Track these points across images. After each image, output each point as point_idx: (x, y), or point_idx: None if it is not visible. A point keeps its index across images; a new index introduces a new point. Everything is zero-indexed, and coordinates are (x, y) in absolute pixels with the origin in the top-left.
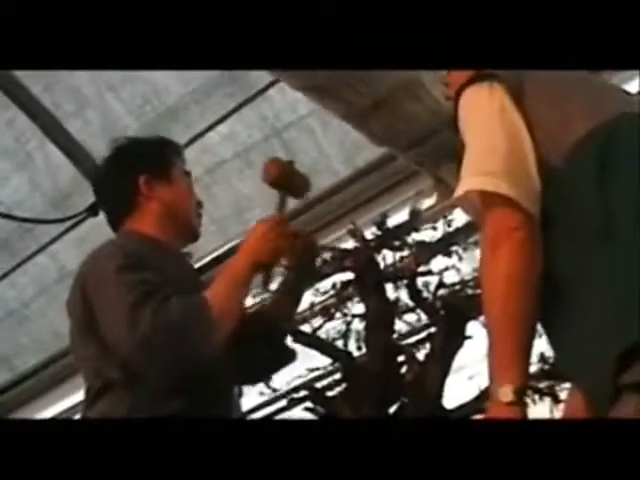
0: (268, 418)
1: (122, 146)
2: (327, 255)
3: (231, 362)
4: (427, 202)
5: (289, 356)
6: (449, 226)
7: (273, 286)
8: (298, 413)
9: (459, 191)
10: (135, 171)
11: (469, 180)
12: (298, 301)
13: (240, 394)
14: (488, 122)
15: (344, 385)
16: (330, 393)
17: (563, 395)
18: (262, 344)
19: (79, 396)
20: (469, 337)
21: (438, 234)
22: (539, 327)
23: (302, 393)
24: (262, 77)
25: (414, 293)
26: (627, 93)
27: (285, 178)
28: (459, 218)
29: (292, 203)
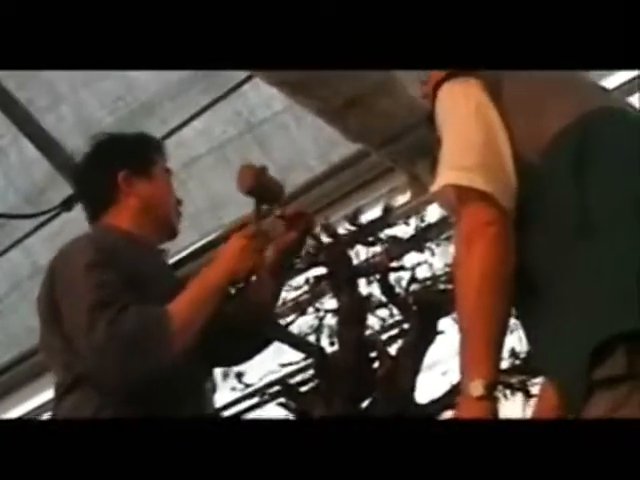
0: (242, 416)
1: (103, 141)
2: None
3: (205, 355)
4: (401, 199)
5: (276, 330)
6: (422, 222)
7: None
8: (271, 409)
9: (435, 186)
10: (115, 166)
11: (445, 174)
12: (282, 282)
13: (213, 389)
14: (464, 117)
15: (317, 380)
16: (303, 389)
17: (535, 390)
18: (245, 325)
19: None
20: (441, 332)
21: (411, 230)
22: (511, 322)
23: (275, 389)
24: (236, 73)
25: (386, 288)
26: (604, 89)
27: (260, 186)
28: (432, 214)
29: None
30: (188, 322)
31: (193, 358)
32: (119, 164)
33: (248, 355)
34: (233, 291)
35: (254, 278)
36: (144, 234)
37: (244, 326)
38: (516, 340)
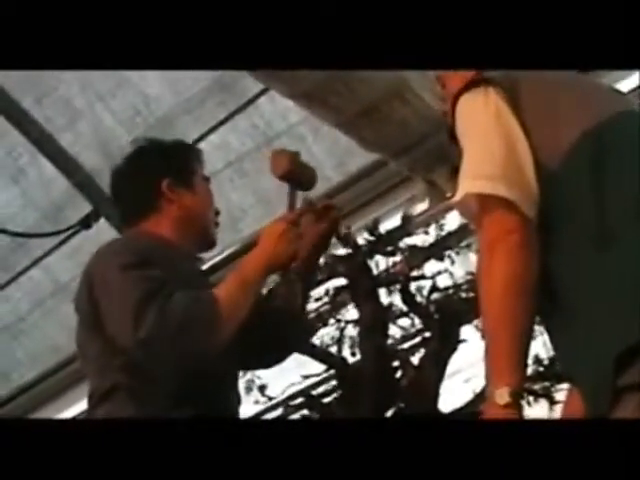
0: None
1: (146, 147)
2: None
3: (236, 362)
4: (420, 207)
5: (307, 332)
6: (441, 230)
7: None
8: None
9: (457, 195)
10: (159, 173)
11: (467, 184)
12: (312, 281)
13: (239, 401)
14: (484, 127)
15: (339, 391)
16: (326, 400)
17: (559, 397)
18: (278, 324)
19: (76, 409)
20: (463, 340)
21: (431, 238)
22: (535, 328)
23: (298, 401)
24: (252, 86)
25: (407, 297)
26: (620, 92)
27: (295, 171)
28: (451, 222)
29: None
30: (234, 306)
31: (222, 361)
32: (163, 172)
33: (276, 359)
34: (263, 292)
35: (284, 277)
36: (183, 244)
37: (273, 328)
38: (539, 347)
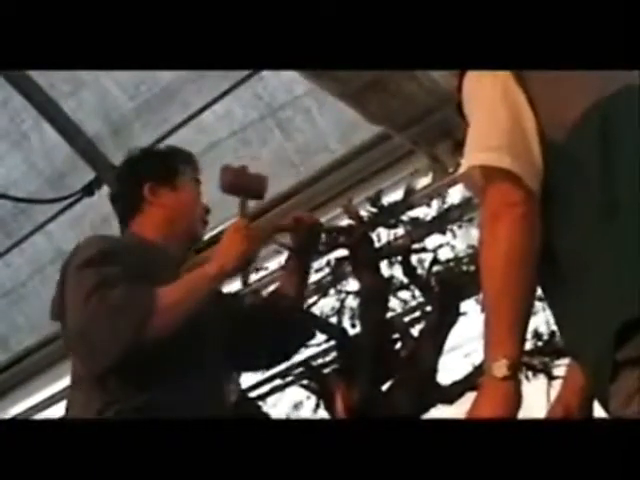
0: (265, 398)
1: (133, 156)
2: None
3: (217, 350)
4: (423, 181)
5: (306, 334)
6: (444, 203)
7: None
8: (293, 391)
9: (463, 167)
10: (141, 178)
11: (472, 156)
12: (305, 279)
13: (237, 383)
14: (490, 100)
15: (339, 362)
16: (325, 370)
17: (557, 372)
18: (277, 326)
19: None
20: (463, 313)
21: (433, 212)
22: (536, 304)
23: (297, 371)
24: None
25: (408, 270)
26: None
27: (239, 184)
28: (454, 195)
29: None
30: (173, 304)
31: (213, 362)
32: (146, 177)
33: (276, 360)
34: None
35: (278, 285)
36: (166, 242)
37: (271, 329)
38: (539, 321)
